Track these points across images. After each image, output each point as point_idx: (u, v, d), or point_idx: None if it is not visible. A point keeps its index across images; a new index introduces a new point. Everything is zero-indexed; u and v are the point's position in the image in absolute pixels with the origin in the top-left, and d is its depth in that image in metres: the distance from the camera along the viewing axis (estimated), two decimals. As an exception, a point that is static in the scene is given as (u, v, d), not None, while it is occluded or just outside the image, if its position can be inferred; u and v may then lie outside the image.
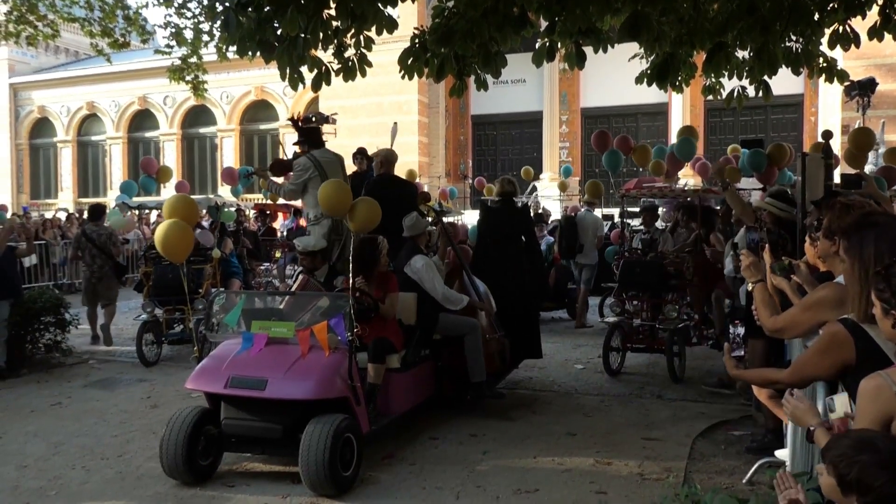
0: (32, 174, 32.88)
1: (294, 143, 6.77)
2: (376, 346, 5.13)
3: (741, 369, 3.20)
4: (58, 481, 4.73)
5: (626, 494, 4.35)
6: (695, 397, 6.57)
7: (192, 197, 6.88)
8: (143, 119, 30.86)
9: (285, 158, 7.28)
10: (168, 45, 11.12)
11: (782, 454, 4.11)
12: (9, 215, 16.85)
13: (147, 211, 16.82)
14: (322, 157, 6.33)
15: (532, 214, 13.38)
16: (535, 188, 21.45)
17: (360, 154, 8.47)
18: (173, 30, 10.76)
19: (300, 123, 6.62)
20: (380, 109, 23.56)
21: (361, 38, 5.67)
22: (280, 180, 7.08)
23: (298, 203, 8.20)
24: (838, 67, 7.15)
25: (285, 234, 14.14)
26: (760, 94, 6.74)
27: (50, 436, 5.69)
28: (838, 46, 6.13)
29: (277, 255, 12.29)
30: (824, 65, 7.07)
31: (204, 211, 11.21)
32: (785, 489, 2.16)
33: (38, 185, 32.89)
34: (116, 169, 30.83)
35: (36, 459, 5.16)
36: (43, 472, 4.91)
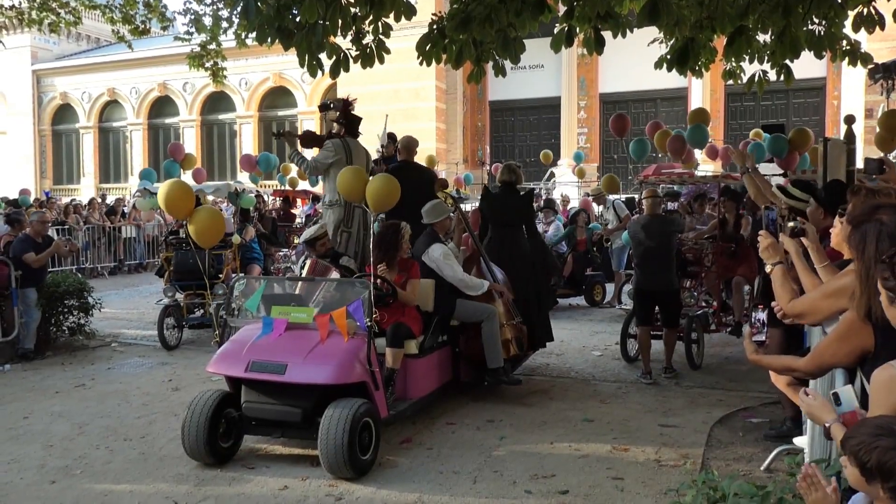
0: (55, 160, 33.31)
1: (333, 120, 6.70)
2: (395, 331, 5.17)
3: (761, 354, 3.18)
4: (82, 461, 4.83)
5: (642, 481, 4.36)
6: (712, 384, 6.55)
7: (211, 183, 7.00)
8: (162, 105, 31.11)
9: (319, 133, 7.22)
10: (187, 32, 11.16)
11: (801, 441, 4.10)
12: (31, 199, 17.10)
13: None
14: (353, 147, 6.39)
15: (542, 200, 13.41)
16: (552, 174, 21.38)
17: (389, 138, 8.48)
18: (193, 17, 10.80)
19: (351, 107, 6.58)
20: (397, 96, 23.54)
21: (379, 24, 5.66)
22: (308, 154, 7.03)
23: (318, 189, 8.26)
24: (862, 50, 7.04)
25: (304, 219, 14.22)
26: (782, 78, 6.65)
27: (74, 416, 5.80)
28: (862, 29, 6.03)
29: (296, 240, 12.36)
30: (848, 48, 6.96)
31: (224, 197, 11.30)
32: (810, 484, 2.10)
33: (60, 170, 33.31)
34: (137, 155, 31.16)
35: (61, 439, 5.27)
36: (68, 451, 5.02)
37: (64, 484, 4.45)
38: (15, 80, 32.30)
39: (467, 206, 10.68)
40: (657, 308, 6.92)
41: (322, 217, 6.33)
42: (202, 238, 5.20)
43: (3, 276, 7.67)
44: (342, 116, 6.53)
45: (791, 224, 3.40)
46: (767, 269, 3.27)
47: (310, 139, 7.06)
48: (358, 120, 6.69)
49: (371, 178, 5.45)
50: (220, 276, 8.76)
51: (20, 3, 11.58)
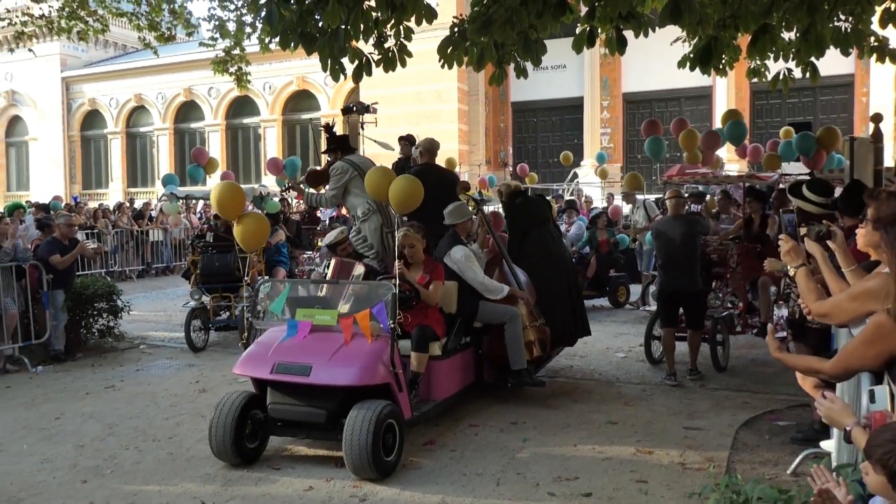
0: (84, 165, 33.88)
1: (323, 152, 6.93)
2: (420, 334, 5.19)
3: (785, 352, 3.16)
4: (113, 461, 4.92)
5: (667, 484, 4.34)
6: (738, 387, 6.49)
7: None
8: (188, 110, 31.49)
9: (319, 168, 7.46)
10: (212, 38, 11.31)
11: (828, 445, 4.05)
12: (62, 205, 17.43)
13: (194, 201, 17.23)
14: (357, 160, 6.50)
15: (564, 201, 13.39)
16: (576, 175, 21.28)
17: (406, 140, 8.53)
18: (217, 22, 10.95)
19: (332, 131, 6.78)
20: (419, 98, 23.59)
21: (401, 28, 5.69)
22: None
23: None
24: (890, 46, 6.92)
25: (327, 222, 14.32)
26: (807, 75, 6.57)
27: (104, 417, 5.91)
28: (890, 25, 5.93)
29: (319, 243, 12.45)
30: (875, 44, 6.84)
31: (249, 201, 11.40)
32: (825, 500, 2.11)
33: (89, 175, 33.87)
34: (164, 159, 31.58)
35: (92, 439, 5.37)
36: (99, 451, 5.12)
37: (95, 483, 4.54)
38: (45, 87, 32.92)
39: (490, 208, 10.68)
40: (681, 310, 6.87)
41: (360, 232, 6.41)
42: (247, 242, 5.28)
43: (34, 279, 7.83)
44: (330, 143, 6.68)
45: (817, 228, 3.35)
46: (791, 272, 3.24)
47: (315, 177, 7.21)
48: (345, 137, 6.93)
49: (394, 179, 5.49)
50: (246, 279, 8.86)
51: (50, 12, 11.82)
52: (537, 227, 6.76)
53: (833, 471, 2.45)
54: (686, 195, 9.89)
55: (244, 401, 4.78)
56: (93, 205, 21.66)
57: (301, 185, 7.33)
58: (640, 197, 11.78)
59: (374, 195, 5.67)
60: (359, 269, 5.63)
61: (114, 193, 31.25)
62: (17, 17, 11.98)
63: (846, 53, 6.44)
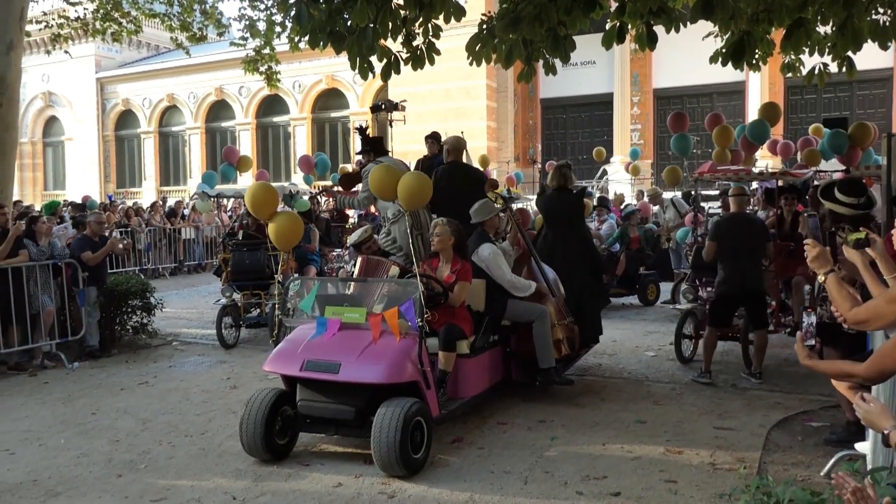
0: (118, 164, 34.55)
1: (358, 153, 6.95)
2: (447, 333, 5.19)
3: (814, 359, 3.09)
4: (146, 455, 5.01)
5: (696, 484, 4.29)
6: (770, 387, 6.39)
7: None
8: (219, 109, 31.92)
9: (352, 171, 7.49)
10: (242, 38, 11.47)
11: (863, 447, 3.98)
12: (97, 203, 17.77)
13: (225, 200, 17.45)
14: (389, 162, 6.50)
15: (596, 199, 13.30)
16: (605, 172, 21.13)
17: (433, 138, 8.53)
18: (247, 22, 11.09)
19: (366, 133, 6.80)
20: (448, 95, 23.60)
21: (429, 26, 5.70)
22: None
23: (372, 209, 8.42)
24: (931, 40, 6.74)
25: (357, 220, 14.40)
26: (844, 70, 6.43)
27: (138, 412, 6.02)
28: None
29: (348, 240, 12.52)
30: (916, 37, 6.67)
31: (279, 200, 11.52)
32: (859, 499, 2.06)
33: (123, 174, 34.53)
34: (195, 158, 32.06)
35: (126, 434, 5.47)
36: (133, 446, 5.21)
37: (129, 478, 4.62)
38: (80, 88, 33.63)
39: (518, 206, 10.64)
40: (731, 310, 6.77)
41: (390, 234, 6.43)
42: (280, 241, 5.34)
43: (69, 277, 8.00)
44: (365, 145, 6.70)
45: (854, 236, 3.24)
46: (820, 279, 3.14)
47: (349, 181, 7.24)
48: (379, 139, 6.91)
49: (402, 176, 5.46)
50: (277, 276, 8.95)
51: (85, 14, 12.07)
52: (555, 226, 6.72)
53: (868, 473, 2.40)
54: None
55: (274, 397, 4.83)
56: (129, 202, 22.09)
57: (335, 189, 7.39)
58: (666, 195, 11.65)
59: (379, 194, 5.61)
60: (394, 270, 5.64)
61: (147, 192, 31.81)
62: (53, 19, 12.26)
63: (884, 47, 6.30)
